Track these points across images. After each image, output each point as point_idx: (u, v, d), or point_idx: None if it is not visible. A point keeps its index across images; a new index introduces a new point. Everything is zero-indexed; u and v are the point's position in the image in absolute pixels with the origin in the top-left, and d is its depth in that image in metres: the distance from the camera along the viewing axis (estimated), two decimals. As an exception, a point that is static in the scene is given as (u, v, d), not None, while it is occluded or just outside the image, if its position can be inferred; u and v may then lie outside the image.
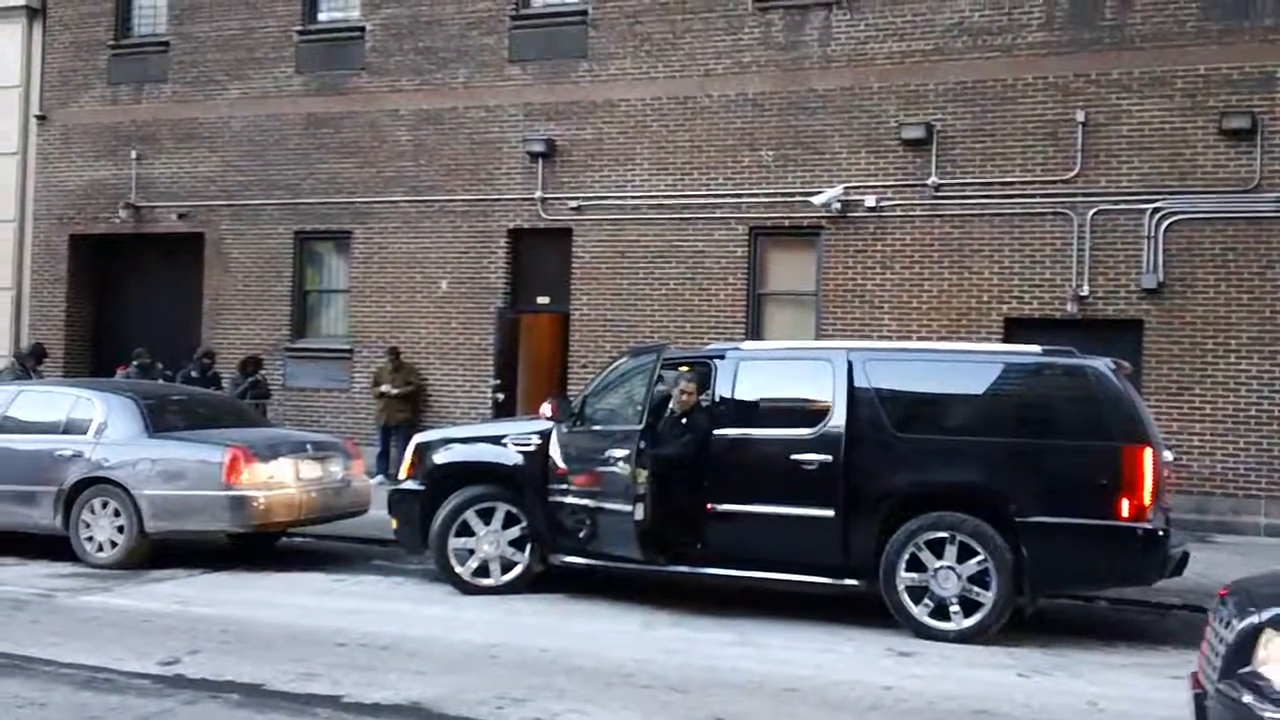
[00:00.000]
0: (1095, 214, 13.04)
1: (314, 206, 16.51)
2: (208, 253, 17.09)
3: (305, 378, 16.48)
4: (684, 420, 8.77)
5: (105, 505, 9.84)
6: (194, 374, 14.65)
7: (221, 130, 17.06)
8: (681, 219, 14.65)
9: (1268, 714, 4.15)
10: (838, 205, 13.80)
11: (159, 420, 10.18)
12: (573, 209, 15.12)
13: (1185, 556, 8.18)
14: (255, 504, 9.60)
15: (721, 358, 8.81)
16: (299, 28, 16.68)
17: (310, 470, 10.20)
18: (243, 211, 16.90)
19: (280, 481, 9.86)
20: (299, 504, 9.97)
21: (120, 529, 9.79)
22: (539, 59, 15.45)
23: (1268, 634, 4.38)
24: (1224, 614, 4.77)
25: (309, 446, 10.43)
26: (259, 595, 8.89)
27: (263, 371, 15.58)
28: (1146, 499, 7.67)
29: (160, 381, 13.99)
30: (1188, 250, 12.75)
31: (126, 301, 18.15)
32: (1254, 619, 4.47)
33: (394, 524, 9.45)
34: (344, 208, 16.35)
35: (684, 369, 9.04)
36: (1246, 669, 4.42)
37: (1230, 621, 4.64)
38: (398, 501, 9.41)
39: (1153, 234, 12.82)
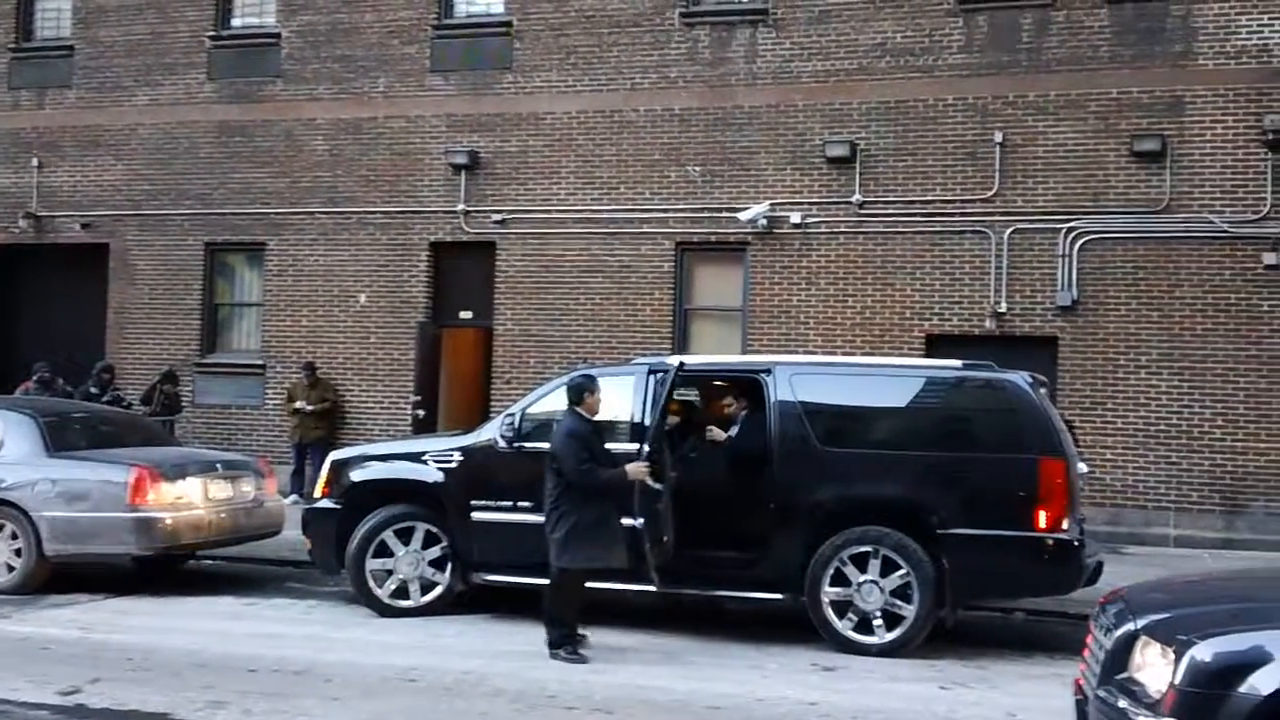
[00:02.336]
0: (1012, 233, 13.26)
1: (226, 217, 16.14)
2: (113, 264, 16.62)
3: (216, 394, 16.06)
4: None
5: (2, 528, 9.43)
6: (93, 389, 14.22)
7: (129, 138, 16.61)
8: (607, 234, 14.58)
9: (1141, 718, 4.22)
10: (763, 222, 13.85)
11: (59, 438, 9.79)
12: (496, 222, 14.96)
13: (1099, 566, 8.37)
14: (162, 525, 9.29)
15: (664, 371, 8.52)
16: (211, 33, 16.30)
17: (220, 490, 9.92)
18: (150, 221, 16.46)
19: (188, 502, 9.56)
20: (208, 525, 9.70)
21: (18, 552, 9.38)
22: (462, 69, 15.29)
23: (1143, 640, 4.45)
24: (1104, 621, 4.86)
25: (219, 465, 10.17)
26: (166, 621, 8.59)
27: (173, 387, 15.19)
28: (1063, 510, 7.82)
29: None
30: (1100, 269, 13.03)
31: (26, 315, 17.48)
32: (1131, 626, 4.56)
33: (308, 545, 9.24)
34: (258, 219, 16.00)
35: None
36: (1123, 675, 4.50)
37: (1109, 629, 4.72)
38: (312, 521, 9.20)
39: (1067, 253, 13.08)
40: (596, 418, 7.86)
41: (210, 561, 11.06)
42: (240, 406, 15.96)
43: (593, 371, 8.49)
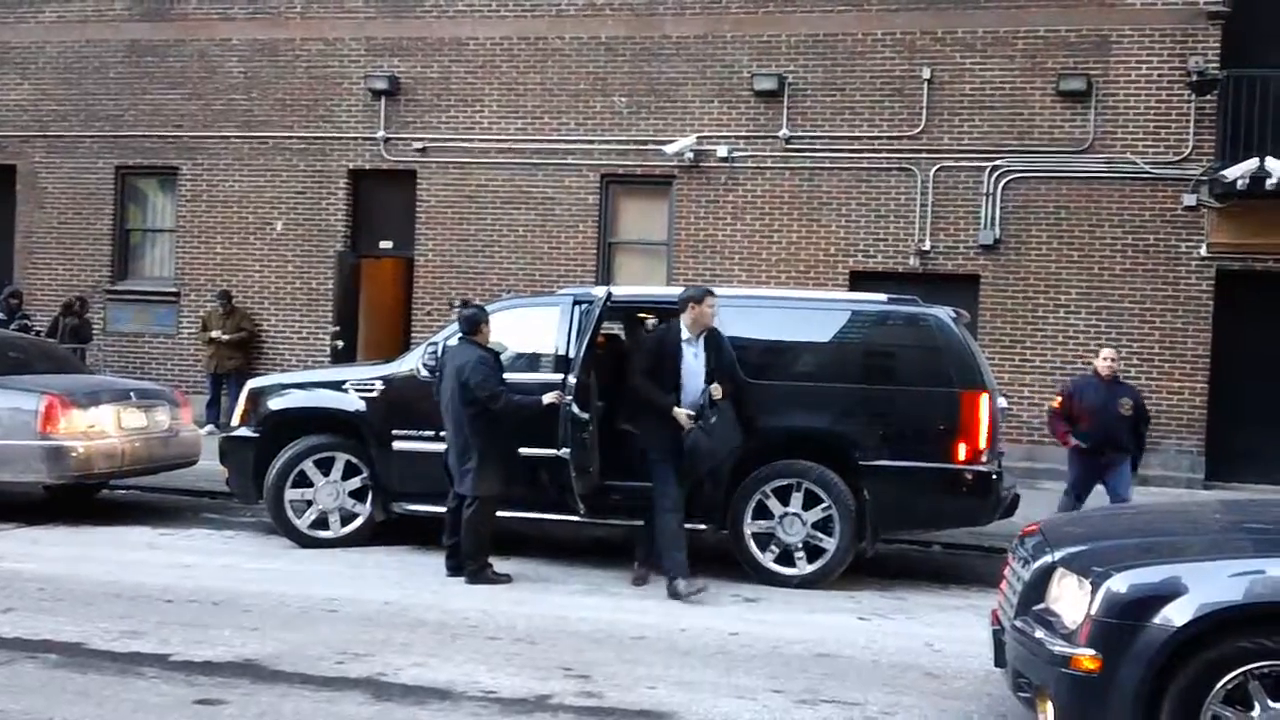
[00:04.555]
0: (938, 170, 13.33)
1: (137, 140, 15.61)
2: (20, 187, 16.03)
3: (128, 322, 15.67)
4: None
5: (-96, 456, 9.10)
6: (0, 315, 13.71)
7: (36, 55, 15.94)
8: (532, 164, 14.36)
9: (1058, 648, 4.31)
10: (690, 155, 13.74)
11: (-34, 365, 9.47)
12: (417, 150, 14.65)
13: (1016, 499, 8.51)
14: (74, 454, 9.05)
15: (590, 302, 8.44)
16: (121, -53, 15.63)
17: (134, 419, 9.69)
18: (58, 143, 15.88)
19: (101, 430, 9.32)
20: (122, 454, 9.47)
21: (-76, 480, 9.09)
22: (382, -10, 14.87)
23: (1060, 572, 4.55)
24: (1022, 553, 4.95)
25: (133, 394, 9.92)
26: (79, 550, 8.39)
27: (75, 319, 14.68)
28: (982, 443, 7.92)
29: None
30: (1023, 208, 13.18)
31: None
32: (1048, 558, 4.65)
33: (226, 474, 9.05)
34: (170, 142, 15.49)
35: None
36: (1040, 606, 4.60)
37: (1027, 561, 4.81)
38: (230, 450, 9.01)
39: (991, 191, 13.20)
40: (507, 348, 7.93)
41: (125, 491, 10.81)
42: (154, 335, 15.59)
43: (514, 301, 8.43)
